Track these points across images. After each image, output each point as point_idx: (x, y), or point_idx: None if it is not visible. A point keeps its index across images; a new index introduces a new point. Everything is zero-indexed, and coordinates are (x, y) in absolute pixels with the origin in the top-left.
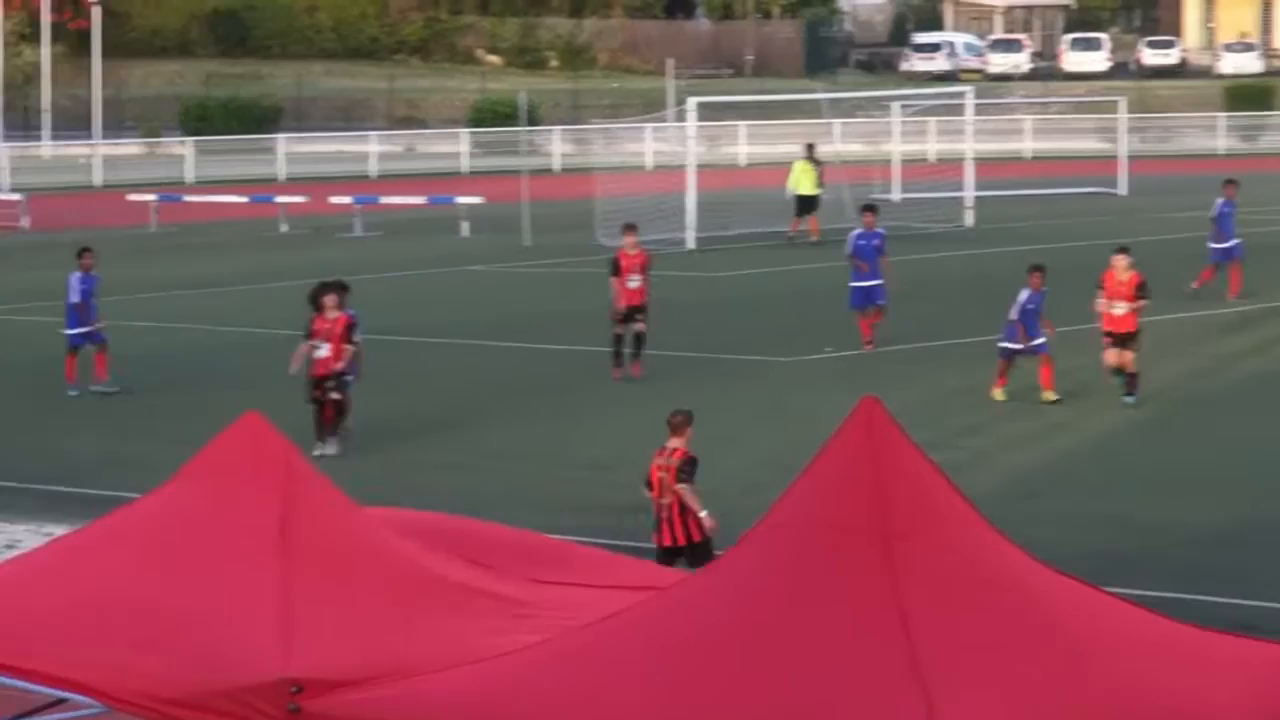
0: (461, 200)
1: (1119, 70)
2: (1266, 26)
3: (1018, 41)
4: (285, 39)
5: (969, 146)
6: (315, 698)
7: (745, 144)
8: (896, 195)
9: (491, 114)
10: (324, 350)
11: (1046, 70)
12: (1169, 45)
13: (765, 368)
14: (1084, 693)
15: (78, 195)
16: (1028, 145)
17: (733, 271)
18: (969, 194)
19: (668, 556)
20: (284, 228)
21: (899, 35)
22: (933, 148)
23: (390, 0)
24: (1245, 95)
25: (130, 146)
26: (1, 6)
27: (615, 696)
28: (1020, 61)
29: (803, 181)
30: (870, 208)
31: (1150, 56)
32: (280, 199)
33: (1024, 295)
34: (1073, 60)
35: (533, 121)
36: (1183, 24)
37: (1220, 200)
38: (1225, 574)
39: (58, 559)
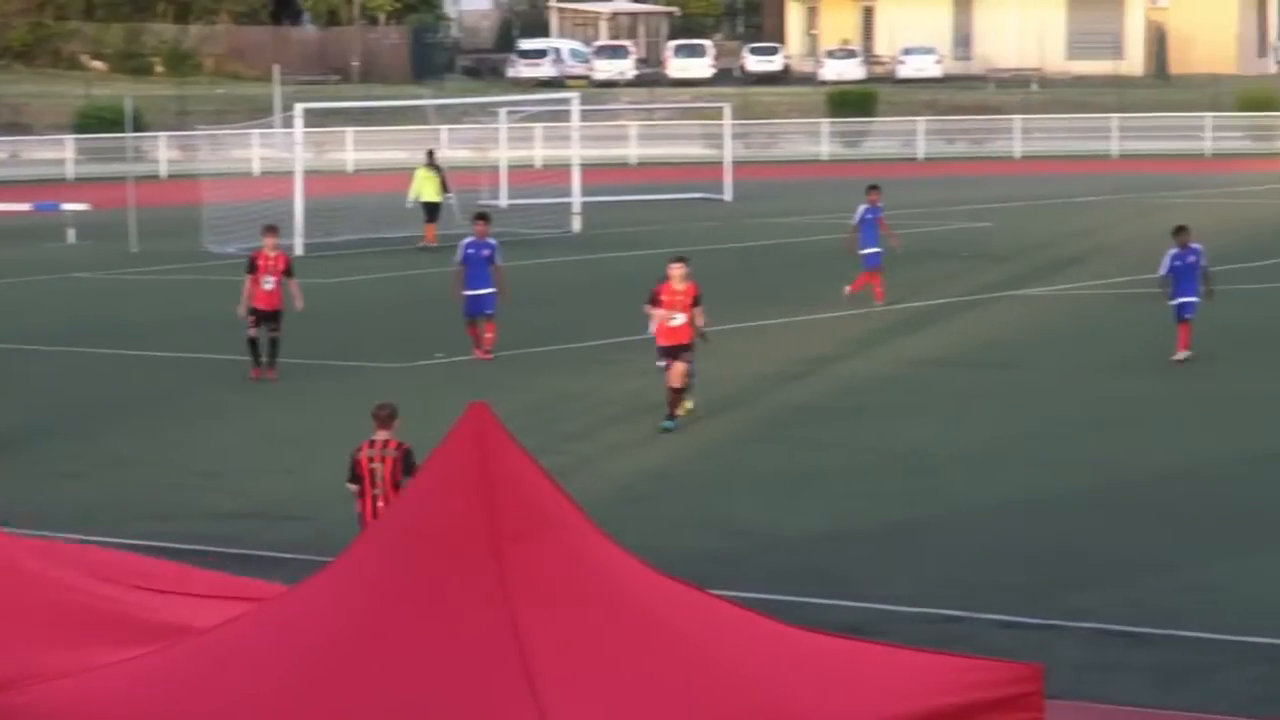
0: (67, 207)
1: (724, 77)
2: (868, 33)
3: (623, 48)
4: None
5: (575, 152)
6: None
7: (353, 150)
8: (504, 201)
9: (97, 120)
10: None
11: (652, 76)
12: (772, 52)
13: (376, 374)
14: (691, 695)
15: None
16: (634, 151)
17: (342, 278)
18: (576, 200)
19: None
20: None
21: (505, 41)
22: (540, 154)
23: None
24: (847, 101)
25: None
26: None
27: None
28: (626, 68)
29: (425, 189)
30: (482, 216)
31: (754, 63)
32: None
33: (862, 209)
34: (678, 66)
35: (139, 128)
36: (786, 31)
37: (863, 206)
38: (828, 575)
39: None
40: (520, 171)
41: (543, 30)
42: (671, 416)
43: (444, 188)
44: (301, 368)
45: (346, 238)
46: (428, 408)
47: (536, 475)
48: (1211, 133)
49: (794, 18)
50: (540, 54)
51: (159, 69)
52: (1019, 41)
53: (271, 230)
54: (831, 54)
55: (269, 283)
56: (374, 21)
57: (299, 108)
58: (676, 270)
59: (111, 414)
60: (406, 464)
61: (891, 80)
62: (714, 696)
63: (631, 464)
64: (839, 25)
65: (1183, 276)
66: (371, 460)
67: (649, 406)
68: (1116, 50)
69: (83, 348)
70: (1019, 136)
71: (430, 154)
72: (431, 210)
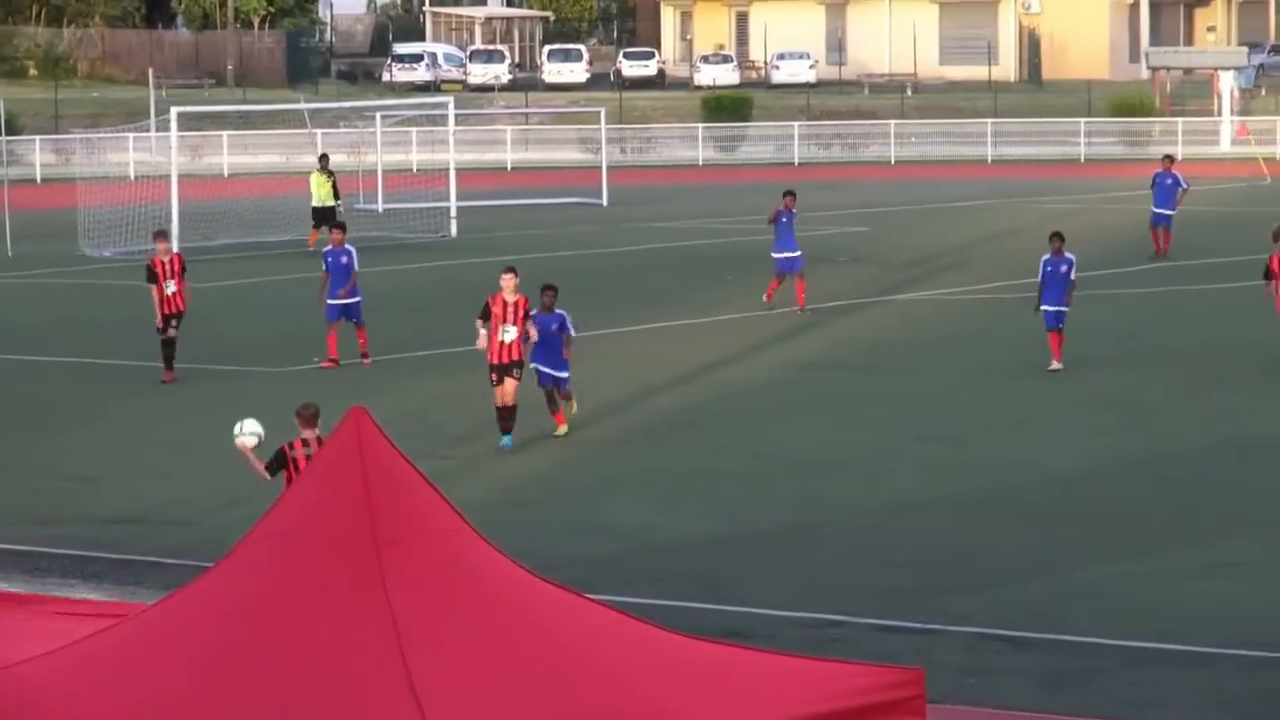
0: None
1: (599, 81)
2: (742, 39)
3: (499, 52)
4: None
5: (451, 157)
6: None
7: (228, 154)
8: (380, 206)
9: None
10: None
11: (527, 81)
12: (648, 57)
13: (253, 378)
14: (571, 698)
15: None
16: (510, 156)
17: (221, 282)
18: (452, 204)
19: None
20: None
21: (380, 46)
22: (415, 158)
23: None
24: (723, 106)
25: None
26: None
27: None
28: (501, 72)
29: (319, 193)
30: (339, 225)
31: (629, 68)
32: None
33: (777, 212)
34: (553, 71)
35: (13, 131)
36: (660, 36)
37: (779, 209)
38: (711, 580)
39: None
40: (396, 176)
41: (418, 35)
42: (507, 432)
43: (335, 194)
44: (183, 371)
45: (224, 241)
46: None
47: (415, 480)
48: (1085, 138)
49: (668, 23)
50: (415, 58)
51: (33, 72)
52: (893, 47)
53: (162, 235)
54: (706, 59)
55: (170, 286)
56: (248, 25)
57: (174, 111)
58: (508, 281)
59: None
60: None
61: (766, 85)
62: (587, 699)
63: (515, 468)
64: (713, 30)
65: (1049, 284)
66: (302, 457)
67: (531, 409)
68: (990, 56)
69: None
70: (894, 141)
71: (323, 158)
72: (322, 214)
